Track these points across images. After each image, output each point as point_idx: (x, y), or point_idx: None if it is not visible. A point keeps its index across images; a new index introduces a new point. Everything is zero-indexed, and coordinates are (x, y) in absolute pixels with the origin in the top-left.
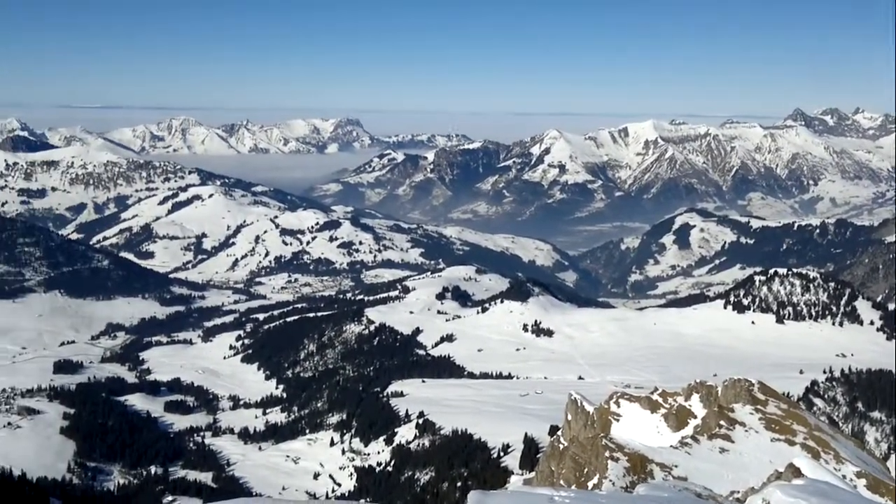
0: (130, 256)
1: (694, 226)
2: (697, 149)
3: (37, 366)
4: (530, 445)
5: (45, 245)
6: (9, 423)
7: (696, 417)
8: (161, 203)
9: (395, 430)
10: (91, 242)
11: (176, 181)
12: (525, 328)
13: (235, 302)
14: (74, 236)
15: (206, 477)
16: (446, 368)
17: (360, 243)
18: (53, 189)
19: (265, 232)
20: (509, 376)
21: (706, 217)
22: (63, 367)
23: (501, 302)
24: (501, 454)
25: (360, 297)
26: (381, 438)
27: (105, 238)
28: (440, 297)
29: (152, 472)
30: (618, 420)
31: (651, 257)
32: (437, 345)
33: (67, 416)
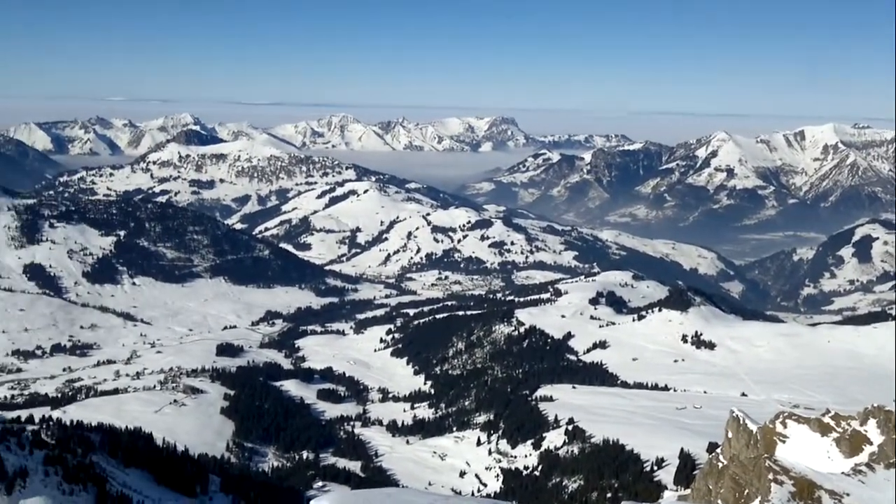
0: (289, 247)
1: (877, 238)
2: (883, 155)
3: (201, 347)
4: (686, 461)
5: (213, 234)
6: (175, 401)
7: (871, 444)
8: (319, 197)
9: (544, 434)
10: (254, 233)
11: (333, 176)
12: (684, 339)
13: (387, 296)
14: (239, 226)
15: (354, 466)
16: (598, 376)
17: (512, 243)
18: (221, 181)
19: (417, 228)
20: (665, 388)
21: (891, 229)
22: (225, 350)
23: (659, 310)
24: (655, 468)
25: (511, 297)
26: (529, 442)
27: (266, 229)
28: (594, 302)
29: (304, 456)
30: (784, 441)
31: (827, 270)
32: (588, 351)
33: (227, 397)
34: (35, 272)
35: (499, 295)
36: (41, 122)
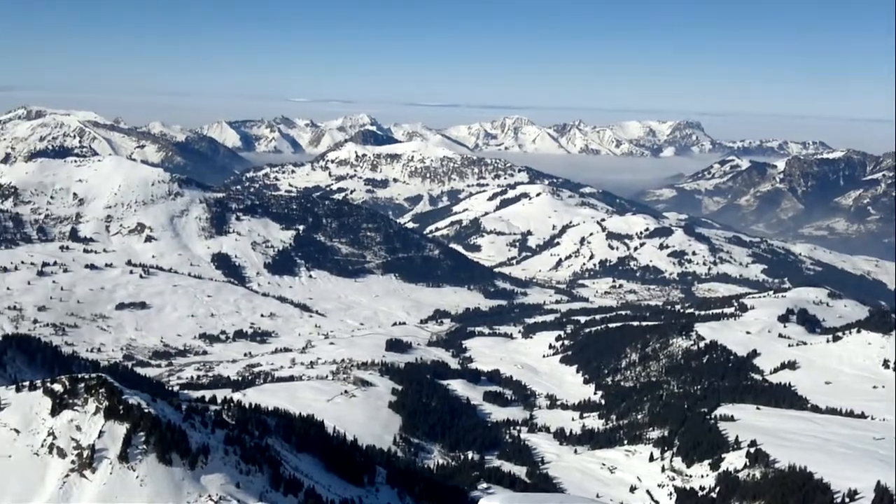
0: (459, 248)
1: None
2: None
3: (371, 342)
4: (883, 495)
5: (385, 231)
6: (345, 391)
7: None
8: (490, 199)
9: (723, 455)
10: (424, 232)
11: (505, 178)
12: (886, 364)
13: (557, 302)
14: (410, 225)
15: (519, 470)
16: (785, 398)
17: (693, 253)
18: (395, 180)
19: (591, 234)
20: (861, 415)
21: None
22: (394, 345)
23: (858, 332)
24: (846, 500)
25: (690, 310)
26: (706, 462)
27: (437, 229)
28: (783, 319)
29: (469, 457)
30: None
31: None
32: (775, 371)
33: (395, 392)
34: (222, 261)
35: (677, 307)
36: (231, 120)
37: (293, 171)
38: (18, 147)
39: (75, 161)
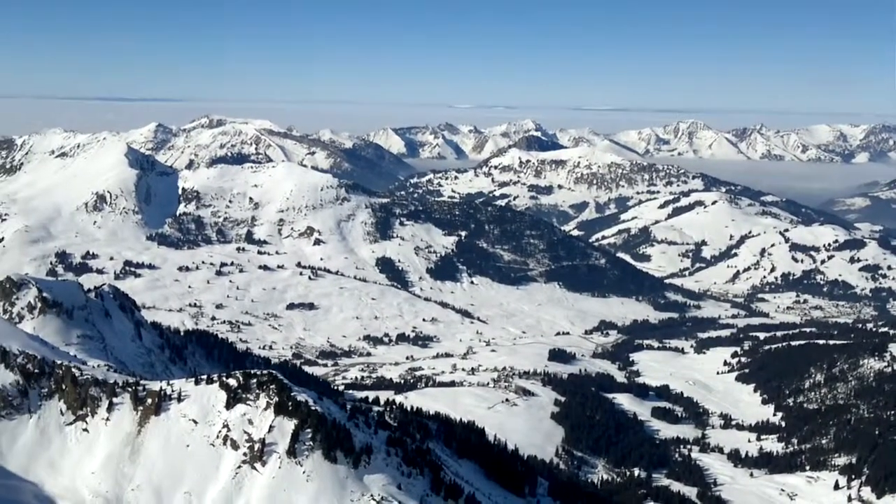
0: (626, 257)
1: None
2: None
3: (533, 350)
4: None
5: (549, 239)
6: (506, 400)
7: None
8: (661, 207)
9: None
10: (590, 240)
11: (678, 185)
12: None
13: (733, 316)
14: (575, 233)
15: (689, 491)
16: None
17: (889, 268)
18: (559, 187)
19: (772, 245)
20: None
21: None
22: (557, 355)
23: None
24: None
25: (884, 329)
26: None
27: (603, 237)
28: None
29: (635, 474)
30: None
31: None
32: None
33: (558, 403)
34: (385, 265)
35: (869, 325)
36: (397, 127)
37: (456, 177)
38: (201, 154)
39: (251, 167)
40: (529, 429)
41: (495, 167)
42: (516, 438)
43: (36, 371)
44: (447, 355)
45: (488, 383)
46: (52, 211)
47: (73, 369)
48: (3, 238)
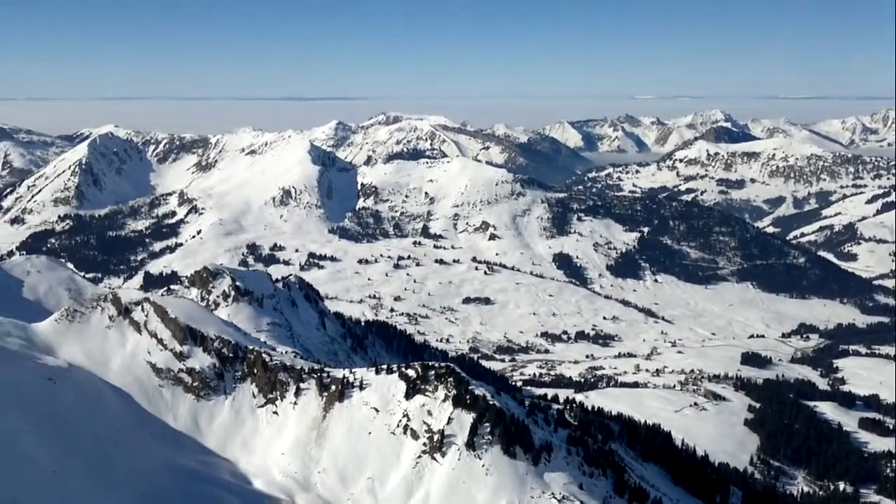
0: (829, 256)
1: None
2: None
3: (724, 353)
4: None
5: (740, 236)
6: (695, 404)
7: None
8: (869, 202)
9: None
10: (787, 238)
11: (889, 178)
12: None
13: None
14: (770, 230)
15: None
16: None
17: None
18: (752, 181)
19: None
20: None
21: None
22: (750, 359)
23: None
24: None
25: None
26: None
27: (802, 234)
28: None
29: (840, 488)
30: None
31: None
32: None
33: (752, 409)
34: (563, 261)
35: None
36: (573, 120)
37: (637, 171)
38: (378, 150)
39: (426, 162)
40: (720, 435)
41: (680, 160)
42: (705, 444)
43: (230, 355)
44: (629, 355)
45: (675, 386)
46: (243, 205)
47: (264, 355)
48: (200, 231)
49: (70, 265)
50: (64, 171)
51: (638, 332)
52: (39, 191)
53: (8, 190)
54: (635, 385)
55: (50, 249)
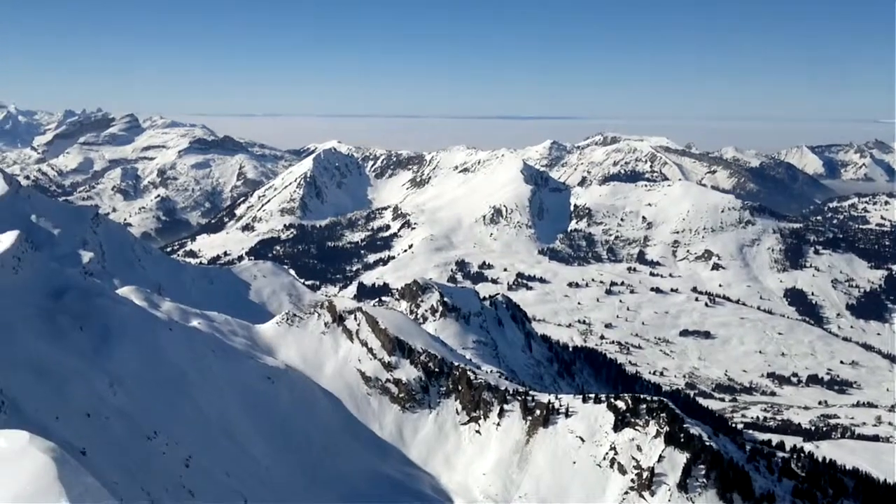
0: None
1: None
2: None
3: None
4: None
5: None
6: None
7: None
8: None
9: None
10: None
11: None
12: None
13: None
14: None
15: None
16: None
17: None
18: None
19: None
20: None
21: None
22: None
23: None
24: None
25: None
26: None
27: None
28: None
29: None
30: None
31: None
32: None
33: None
34: (795, 298)
35: None
36: (813, 145)
37: (887, 203)
38: (594, 171)
39: (645, 185)
40: None
41: None
42: None
43: (436, 370)
44: (870, 405)
45: None
46: (453, 222)
47: (469, 372)
48: (412, 245)
49: (292, 272)
50: (291, 184)
51: (881, 381)
52: (268, 201)
53: (241, 199)
54: (875, 438)
55: (275, 256)
